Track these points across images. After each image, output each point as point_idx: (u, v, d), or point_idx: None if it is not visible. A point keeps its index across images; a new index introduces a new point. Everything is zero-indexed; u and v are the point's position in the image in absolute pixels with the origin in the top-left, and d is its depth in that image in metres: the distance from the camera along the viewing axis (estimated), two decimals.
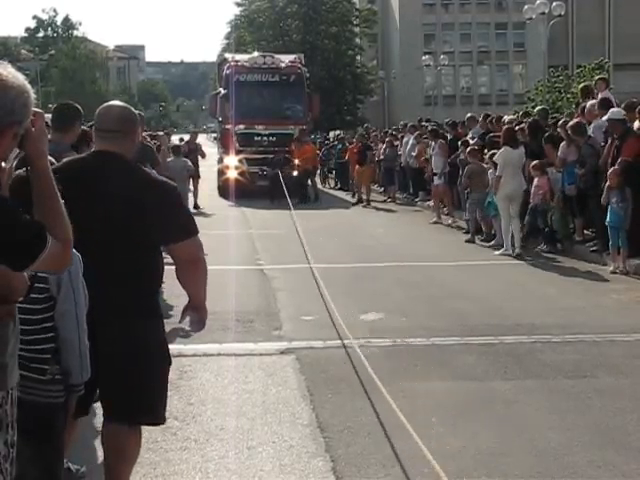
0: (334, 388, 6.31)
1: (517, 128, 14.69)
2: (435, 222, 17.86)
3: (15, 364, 2.92)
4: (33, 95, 2.61)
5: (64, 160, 4.32)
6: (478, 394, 6.18)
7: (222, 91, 26.30)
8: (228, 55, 30.63)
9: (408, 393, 6.09)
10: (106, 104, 4.19)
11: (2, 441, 2.83)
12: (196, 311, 4.18)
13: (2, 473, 2.84)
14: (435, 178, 18.14)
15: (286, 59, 27.11)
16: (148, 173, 4.12)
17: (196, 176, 20.99)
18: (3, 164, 2.71)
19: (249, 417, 5.69)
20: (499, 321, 8.49)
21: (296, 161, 23.80)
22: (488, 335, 7.85)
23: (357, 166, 23.91)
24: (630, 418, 5.62)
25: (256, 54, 28.76)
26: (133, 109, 4.25)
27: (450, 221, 17.64)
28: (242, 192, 23.13)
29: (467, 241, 14.63)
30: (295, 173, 23.59)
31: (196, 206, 20.75)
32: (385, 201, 24.03)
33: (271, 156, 24.01)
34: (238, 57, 28.36)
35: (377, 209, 22.28)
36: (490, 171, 13.85)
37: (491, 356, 7.19)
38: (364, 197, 23.39)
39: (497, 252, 13.14)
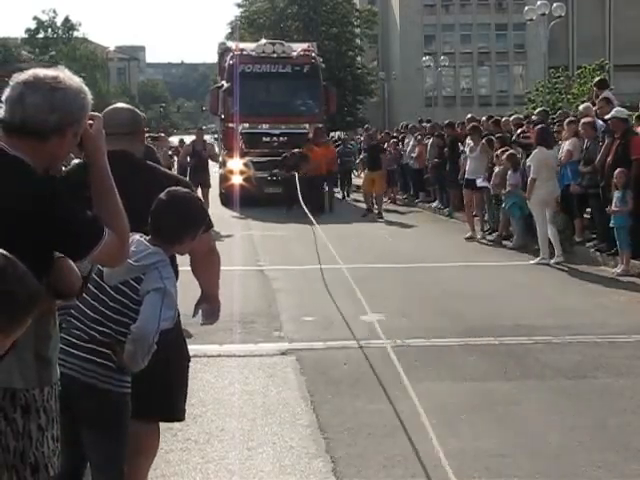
0: (335, 389, 6.31)
1: (519, 130, 14.68)
2: (470, 237, 15.03)
3: (56, 359, 2.93)
4: (90, 96, 2.84)
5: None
6: (478, 395, 6.18)
7: (224, 84, 22.86)
8: (231, 43, 26.85)
9: (408, 394, 6.08)
10: (111, 107, 4.18)
11: (50, 436, 2.83)
12: (209, 303, 4.17)
13: (52, 467, 2.84)
14: (478, 182, 14.91)
15: (298, 47, 23.98)
16: (157, 168, 4.14)
17: (205, 185, 17.23)
18: None
19: (249, 418, 5.69)
20: (499, 322, 8.49)
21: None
22: (488, 336, 7.85)
23: (366, 171, 21.18)
24: (630, 419, 5.63)
25: (264, 41, 24.67)
26: (139, 111, 4.31)
27: (490, 237, 14.83)
28: (248, 200, 19.90)
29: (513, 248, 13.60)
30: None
31: None
32: (385, 203, 23.65)
33: (283, 156, 20.81)
34: (243, 45, 24.71)
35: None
36: (509, 172, 13.26)
37: (491, 357, 7.19)
38: (375, 207, 20.16)
39: (533, 261, 12.12)
